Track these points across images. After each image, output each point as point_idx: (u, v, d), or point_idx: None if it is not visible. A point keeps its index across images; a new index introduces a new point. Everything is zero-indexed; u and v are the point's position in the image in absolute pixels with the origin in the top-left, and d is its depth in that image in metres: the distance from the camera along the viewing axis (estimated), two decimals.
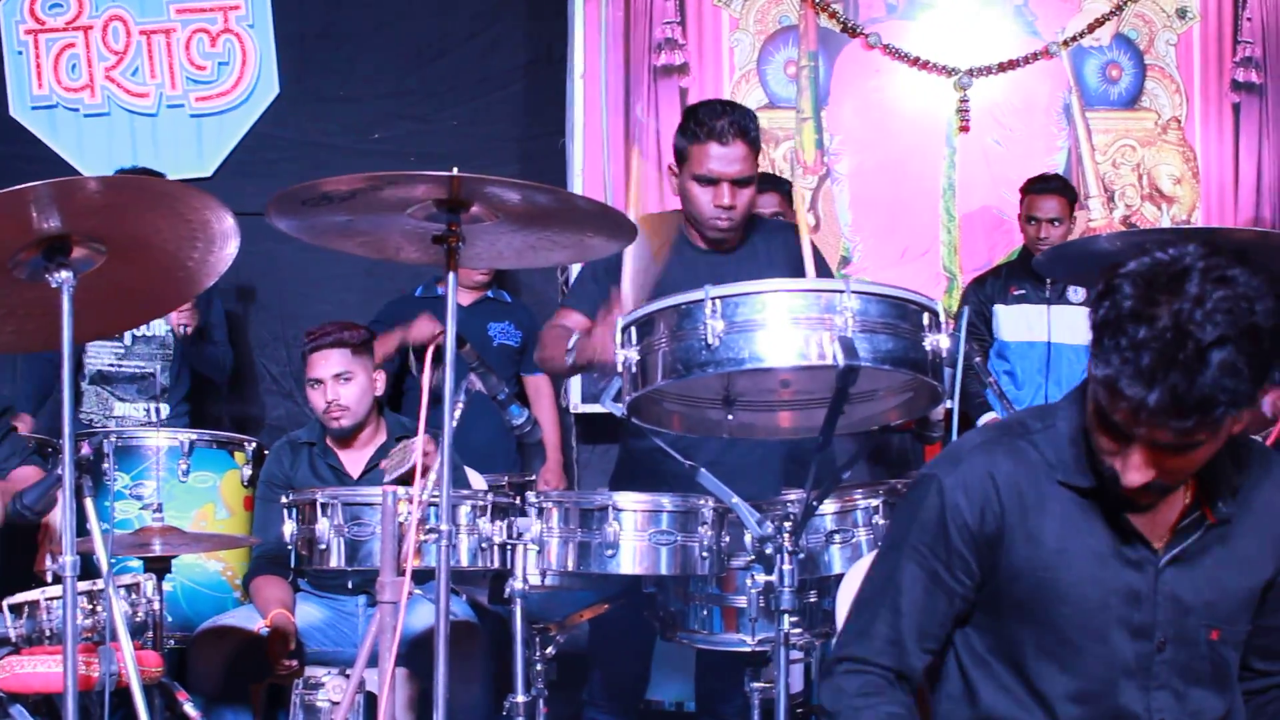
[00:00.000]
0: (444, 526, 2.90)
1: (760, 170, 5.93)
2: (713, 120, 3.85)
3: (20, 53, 6.41)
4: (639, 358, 2.88)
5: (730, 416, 3.20)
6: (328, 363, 4.47)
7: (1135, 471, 2.10)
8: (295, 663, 4.15)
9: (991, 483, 2.25)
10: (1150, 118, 6.51)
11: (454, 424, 2.99)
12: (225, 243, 2.96)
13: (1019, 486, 2.25)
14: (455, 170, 2.75)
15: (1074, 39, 6.46)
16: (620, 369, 2.93)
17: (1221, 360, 1.96)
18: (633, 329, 2.90)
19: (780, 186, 5.69)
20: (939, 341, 2.81)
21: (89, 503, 2.99)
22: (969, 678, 2.33)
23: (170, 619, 4.42)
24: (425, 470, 3.26)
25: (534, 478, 5.33)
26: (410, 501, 3.16)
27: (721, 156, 3.84)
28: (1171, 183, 6.47)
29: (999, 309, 5.80)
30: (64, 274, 2.82)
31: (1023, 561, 2.24)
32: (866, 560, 2.88)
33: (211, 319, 5.75)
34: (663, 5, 6.41)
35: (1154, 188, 6.46)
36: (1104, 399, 2.06)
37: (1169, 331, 1.98)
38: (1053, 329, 5.72)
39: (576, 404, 6.25)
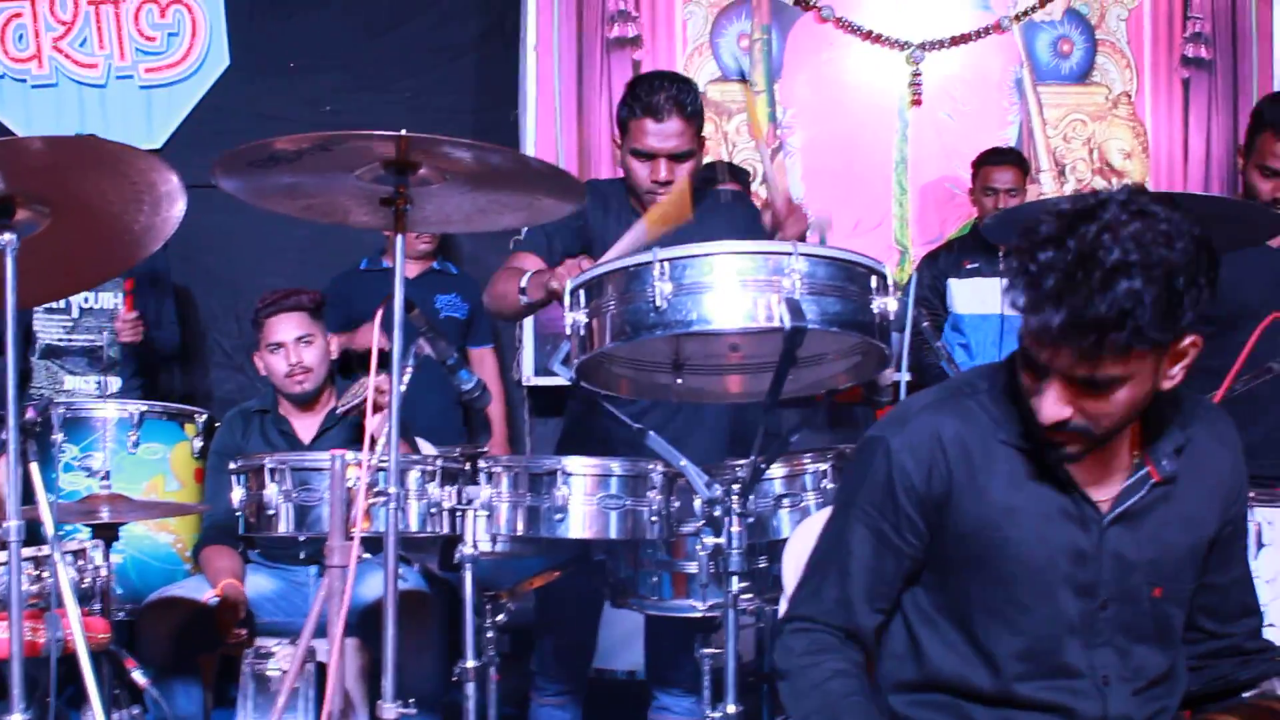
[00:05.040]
0: (392, 489, 2.90)
1: (721, 160, 6.00)
2: (650, 95, 3.83)
3: None
4: (587, 320, 2.88)
5: (679, 380, 3.21)
6: (289, 325, 4.48)
7: (1051, 406, 2.12)
8: (245, 632, 4.13)
9: (939, 443, 2.26)
10: (1101, 92, 6.54)
11: (402, 388, 2.98)
12: (171, 205, 2.93)
13: (966, 446, 2.26)
14: (404, 131, 2.73)
15: (1026, 13, 6.49)
16: (569, 332, 2.93)
17: (1126, 286, 1.97)
18: (581, 292, 2.90)
19: (740, 177, 5.71)
20: (887, 304, 2.82)
21: (34, 467, 2.96)
22: (915, 636, 2.34)
23: (120, 591, 4.40)
24: (379, 408, 3.23)
25: (485, 449, 5.30)
26: (359, 466, 3.15)
27: (657, 132, 3.84)
28: (1122, 157, 6.50)
29: (952, 283, 5.82)
30: (6, 236, 2.78)
31: (971, 521, 2.25)
32: (812, 521, 2.89)
33: (160, 301, 5.73)
34: None
35: (1104, 162, 6.50)
36: (1021, 330, 2.11)
37: (1075, 254, 2.01)
38: (1006, 301, 5.73)
39: (529, 376, 6.25)
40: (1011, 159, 5.85)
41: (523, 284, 3.70)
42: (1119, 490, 2.27)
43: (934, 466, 2.25)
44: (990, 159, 5.84)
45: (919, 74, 6.43)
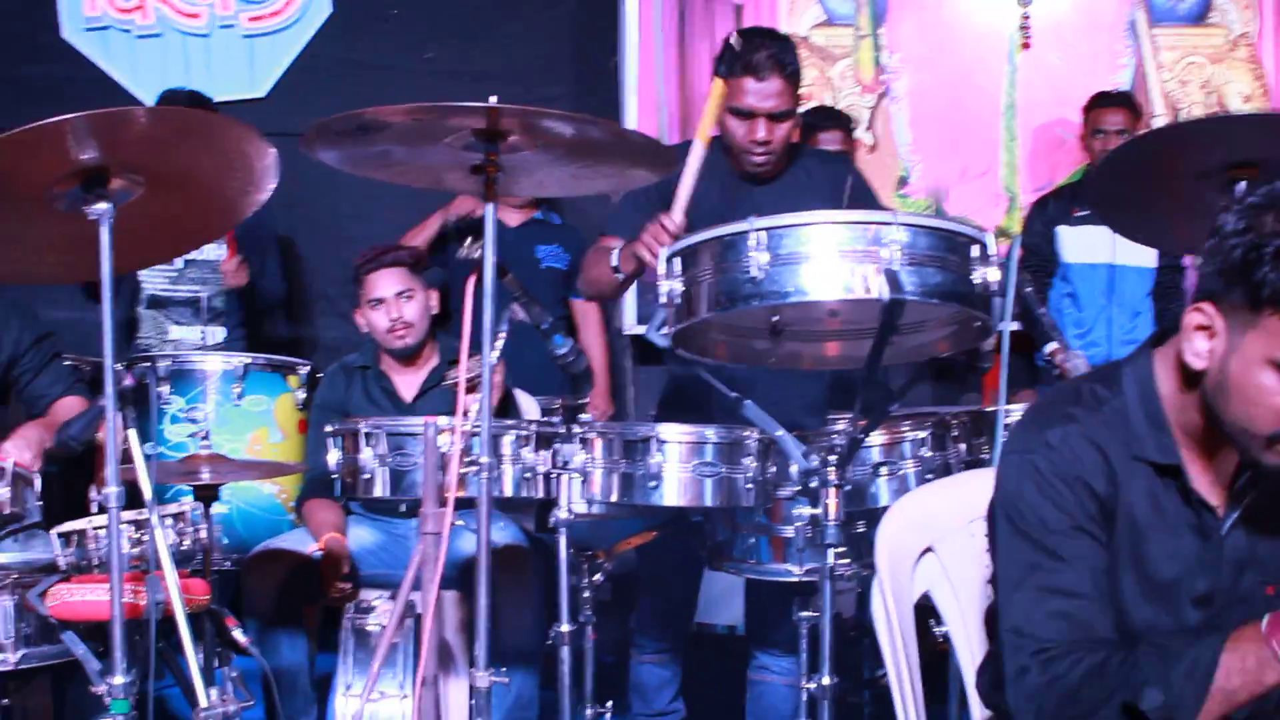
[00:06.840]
0: (484, 459, 2.89)
1: (823, 105, 5.92)
2: (750, 53, 3.79)
3: None
4: (683, 289, 2.83)
5: (777, 346, 3.16)
6: (390, 281, 4.48)
7: None
8: (349, 585, 4.17)
9: (1099, 452, 2.16)
10: (1219, 34, 6.35)
11: (495, 356, 2.97)
12: (265, 176, 2.95)
13: (1113, 457, 2.18)
14: (493, 100, 2.70)
15: None
16: (664, 301, 2.89)
17: None
18: (676, 260, 2.85)
19: (843, 123, 5.62)
20: (988, 274, 2.74)
21: (132, 434, 2.99)
22: None
23: (226, 541, 4.44)
24: (471, 389, 3.22)
25: (586, 400, 5.31)
26: (453, 432, 3.15)
27: (757, 91, 3.80)
28: (1240, 101, 6.31)
29: (1062, 230, 5.68)
30: (102, 206, 2.81)
31: (1120, 533, 2.18)
32: (914, 494, 2.84)
33: (263, 253, 5.78)
34: None
35: (1222, 106, 6.30)
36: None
37: None
38: (1116, 250, 5.60)
39: (631, 324, 6.22)
40: (1122, 101, 5.71)
41: (614, 261, 3.71)
42: (1230, 494, 2.19)
43: (1101, 472, 2.15)
44: (1100, 101, 5.70)
45: (1029, 16, 6.28)
